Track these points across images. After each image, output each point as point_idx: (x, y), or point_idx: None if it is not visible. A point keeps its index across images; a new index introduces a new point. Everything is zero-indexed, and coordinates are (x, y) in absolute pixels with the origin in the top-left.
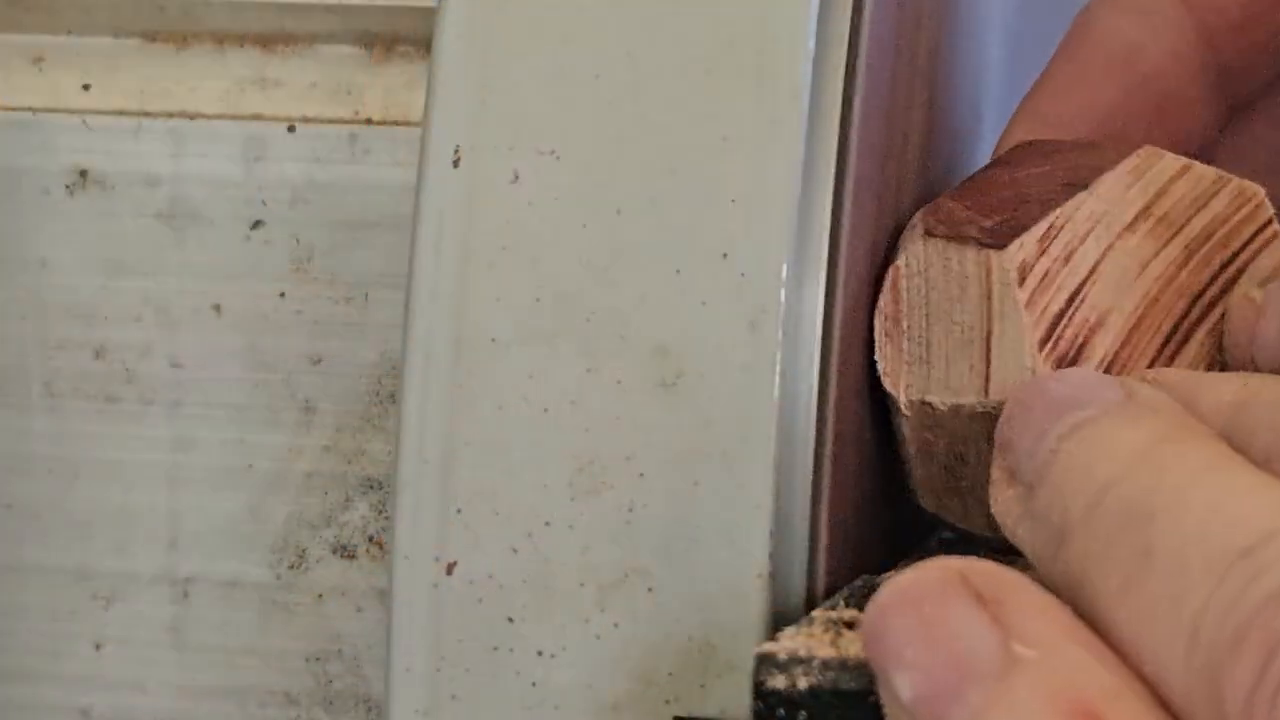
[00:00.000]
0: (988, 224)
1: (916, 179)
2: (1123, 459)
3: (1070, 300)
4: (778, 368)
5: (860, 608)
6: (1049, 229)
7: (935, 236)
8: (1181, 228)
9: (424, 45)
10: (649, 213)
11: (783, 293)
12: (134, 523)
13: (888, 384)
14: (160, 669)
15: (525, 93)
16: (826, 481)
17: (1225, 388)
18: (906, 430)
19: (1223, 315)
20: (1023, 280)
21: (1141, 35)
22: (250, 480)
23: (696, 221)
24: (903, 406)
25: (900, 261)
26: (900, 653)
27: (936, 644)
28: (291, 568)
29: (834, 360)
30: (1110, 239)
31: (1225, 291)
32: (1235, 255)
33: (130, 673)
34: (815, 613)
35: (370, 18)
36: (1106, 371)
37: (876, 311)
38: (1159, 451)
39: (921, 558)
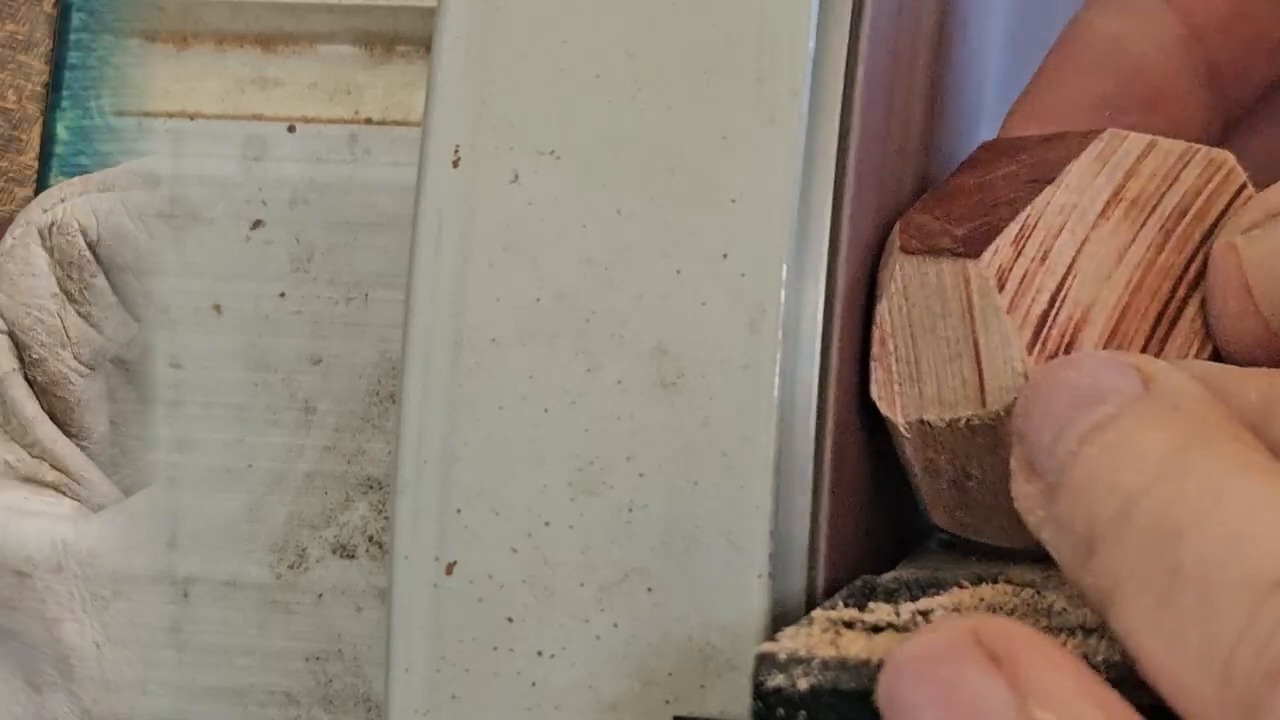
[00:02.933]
0: (960, 232)
1: (917, 177)
2: (1147, 467)
3: (1052, 300)
4: (778, 368)
5: (860, 607)
6: (1021, 229)
7: (910, 253)
8: (1154, 207)
9: (424, 45)
10: (649, 213)
11: (783, 293)
12: (133, 523)
13: (883, 408)
14: (160, 669)
15: (525, 93)
16: (826, 481)
17: (1251, 385)
18: (909, 451)
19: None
20: (1002, 285)
21: (1125, 28)
22: (250, 480)
23: (696, 221)
24: (901, 428)
25: (881, 283)
26: (917, 718)
27: (954, 708)
28: (291, 568)
29: (834, 359)
30: (1085, 230)
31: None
32: (1213, 228)
33: (130, 673)
34: (815, 613)
35: (370, 18)
36: None
37: (873, 329)
38: (1184, 459)
39: (921, 557)
